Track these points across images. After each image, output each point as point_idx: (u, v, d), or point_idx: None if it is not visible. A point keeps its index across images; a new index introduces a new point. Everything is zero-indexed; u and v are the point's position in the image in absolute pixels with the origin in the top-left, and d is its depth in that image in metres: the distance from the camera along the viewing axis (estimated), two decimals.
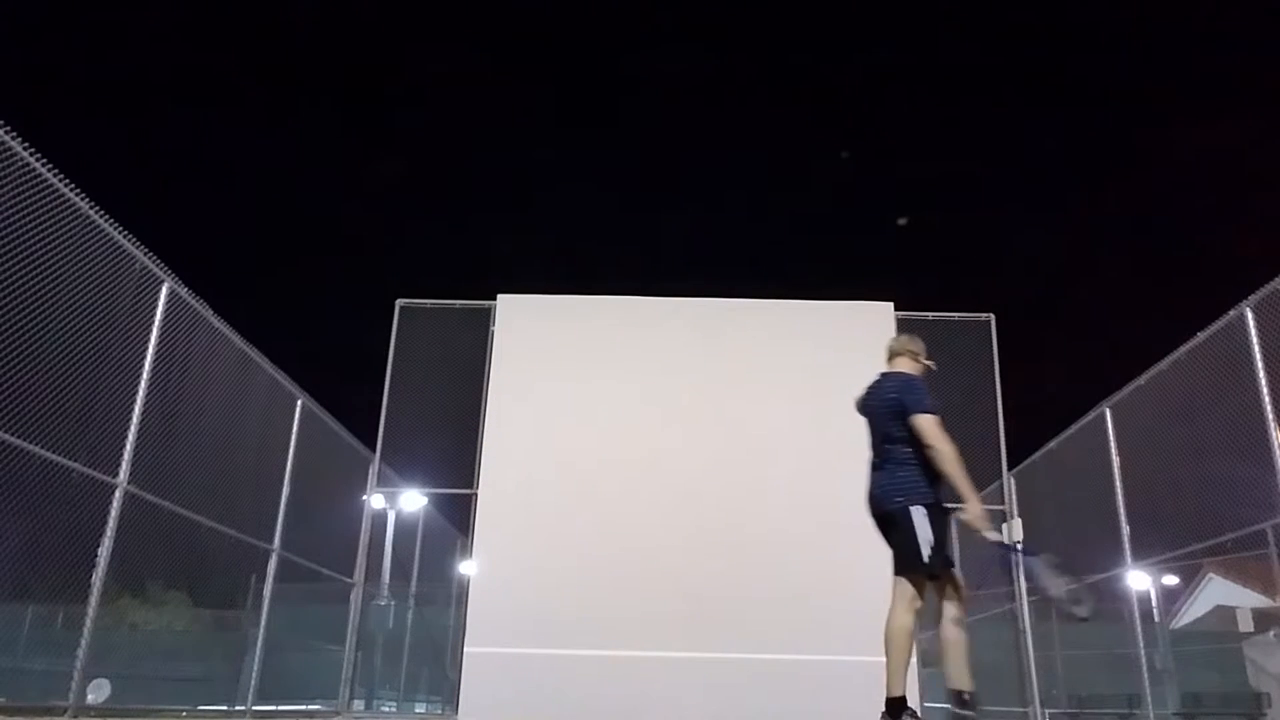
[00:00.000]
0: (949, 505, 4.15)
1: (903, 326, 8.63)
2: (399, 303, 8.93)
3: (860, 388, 4.54)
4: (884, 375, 4.49)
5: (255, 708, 7.57)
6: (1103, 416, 8.29)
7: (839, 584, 7.65)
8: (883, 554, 4.31)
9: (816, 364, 8.55)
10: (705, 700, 7.48)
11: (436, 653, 11.88)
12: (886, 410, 4.21)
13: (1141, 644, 8.30)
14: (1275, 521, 5.95)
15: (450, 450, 8.59)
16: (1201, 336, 6.75)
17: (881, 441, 4.24)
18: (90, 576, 5.36)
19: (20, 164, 4.65)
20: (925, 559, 3.96)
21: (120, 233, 5.48)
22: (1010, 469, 8.62)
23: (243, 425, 7.46)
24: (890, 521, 4.12)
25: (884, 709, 4.04)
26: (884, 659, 4.14)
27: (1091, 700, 9.73)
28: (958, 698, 4.02)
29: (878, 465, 4.26)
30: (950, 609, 4.09)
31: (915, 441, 4.09)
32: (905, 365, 4.52)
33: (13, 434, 4.57)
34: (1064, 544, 8.83)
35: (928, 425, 4.04)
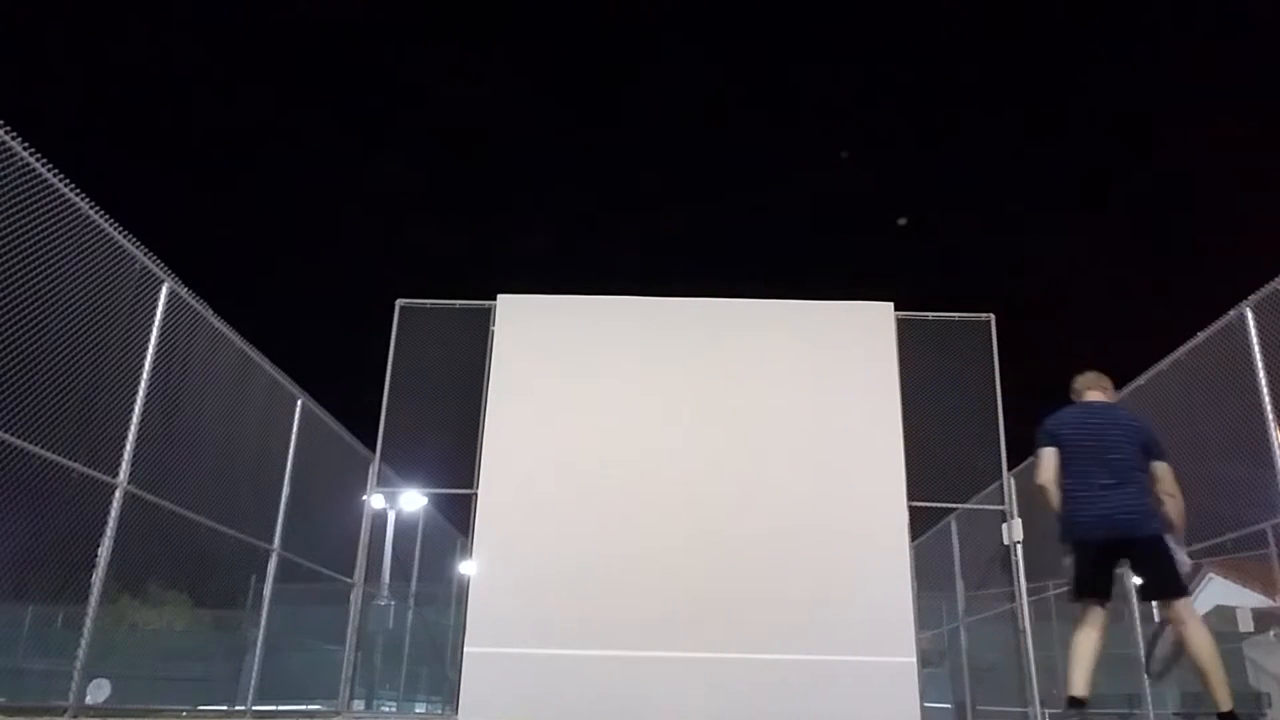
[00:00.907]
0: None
1: (903, 326, 8.64)
2: (399, 303, 8.93)
3: (1062, 415, 4.72)
4: (1106, 406, 4.73)
5: (255, 708, 7.57)
6: None
7: (840, 584, 7.65)
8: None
9: (816, 364, 8.55)
10: (705, 700, 7.48)
11: (436, 653, 11.89)
12: (1133, 437, 4.43)
13: (1142, 644, 8.29)
14: (1275, 521, 5.96)
15: (450, 450, 8.58)
16: (1201, 336, 6.74)
17: (1120, 465, 4.38)
18: (90, 576, 5.36)
19: (20, 164, 4.65)
20: (1185, 583, 4.24)
21: (120, 233, 5.47)
22: (1010, 469, 8.61)
23: (243, 425, 7.47)
24: (1146, 546, 4.28)
25: None
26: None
27: (1092, 700, 9.71)
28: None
29: (1116, 485, 4.35)
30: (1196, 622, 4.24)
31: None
32: (1102, 398, 4.78)
33: (13, 434, 4.57)
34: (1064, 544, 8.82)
35: (1171, 475, 4.41)
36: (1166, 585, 4.24)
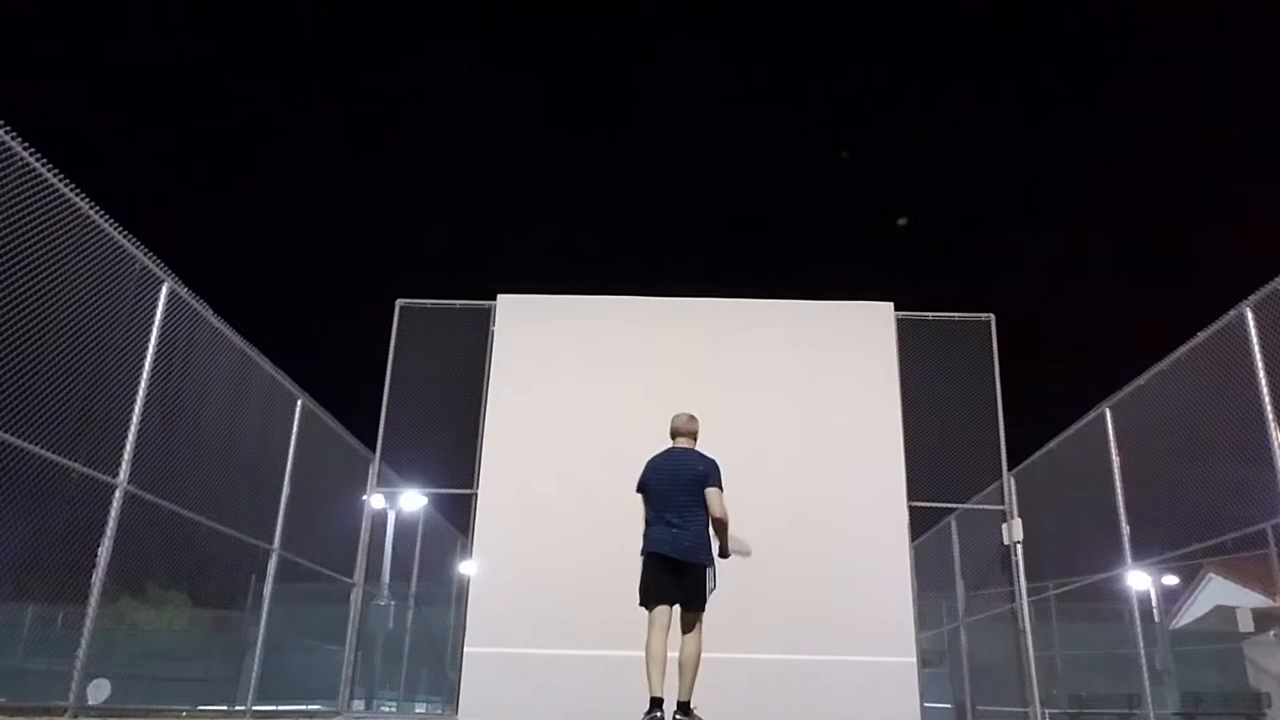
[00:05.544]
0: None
1: (903, 326, 8.65)
2: (399, 303, 8.93)
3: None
4: (684, 450, 5.38)
5: (255, 708, 7.57)
6: (1103, 416, 8.28)
7: (840, 584, 7.65)
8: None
9: (816, 364, 8.56)
10: (706, 700, 7.47)
11: (436, 653, 11.88)
12: (695, 480, 5.23)
13: (1141, 644, 8.29)
14: (1275, 521, 5.95)
15: (450, 450, 8.59)
16: (1201, 336, 6.74)
17: (684, 503, 5.22)
18: (90, 576, 5.35)
19: (20, 164, 4.65)
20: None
21: (120, 233, 5.47)
22: (1010, 469, 8.61)
23: (243, 425, 7.46)
24: (689, 569, 5.18)
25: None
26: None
27: (1091, 700, 9.72)
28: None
29: (680, 525, 5.20)
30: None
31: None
32: (686, 444, 5.44)
33: (13, 434, 4.57)
34: (1064, 544, 8.83)
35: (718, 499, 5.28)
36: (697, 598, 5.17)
